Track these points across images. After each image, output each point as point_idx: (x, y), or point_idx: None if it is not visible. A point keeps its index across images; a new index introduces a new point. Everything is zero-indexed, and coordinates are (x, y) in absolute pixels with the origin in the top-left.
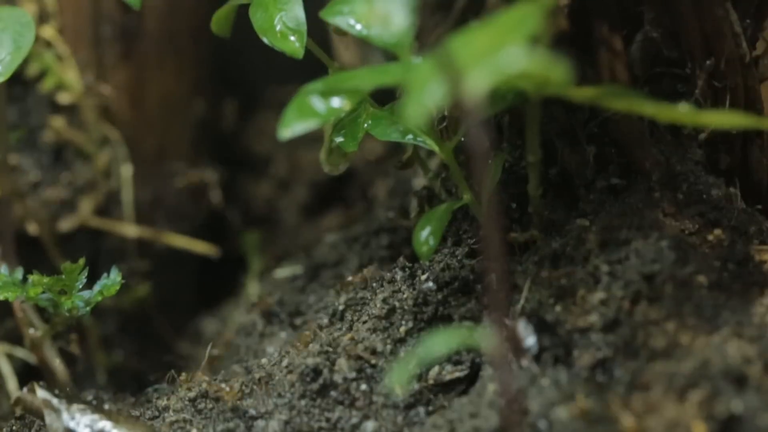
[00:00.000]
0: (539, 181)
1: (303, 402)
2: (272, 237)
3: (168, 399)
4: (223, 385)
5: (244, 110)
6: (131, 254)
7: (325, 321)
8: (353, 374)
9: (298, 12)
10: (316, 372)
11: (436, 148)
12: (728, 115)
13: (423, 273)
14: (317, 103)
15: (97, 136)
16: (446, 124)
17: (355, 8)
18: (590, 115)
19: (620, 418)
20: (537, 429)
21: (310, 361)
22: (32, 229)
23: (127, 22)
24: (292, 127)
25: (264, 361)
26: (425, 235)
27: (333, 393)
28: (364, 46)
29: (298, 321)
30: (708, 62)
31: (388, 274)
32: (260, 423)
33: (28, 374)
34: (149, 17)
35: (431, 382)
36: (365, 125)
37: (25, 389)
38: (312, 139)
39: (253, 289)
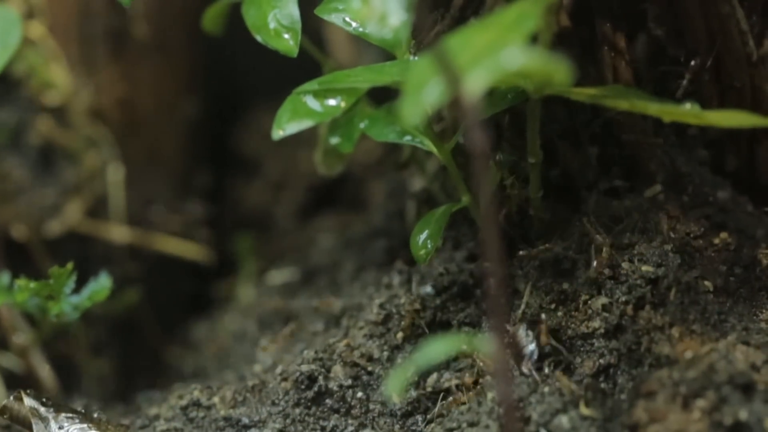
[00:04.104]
0: (540, 182)
1: (297, 410)
2: (266, 240)
3: (159, 407)
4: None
5: (237, 110)
6: (121, 258)
7: (321, 327)
8: (349, 381)
9: (293, 9)
10: (311, 379)
11: (434, 149)
12: (734, 114)
13: (421, 277)
14: (312, 102)
15: (85, 137)
16: (444, 124)
17: (350, 5)
18: (593, 115)
19: None
20: None
21: (305, 368)
22: (19, 232)
23: (116, 21)
24: (285, 127)
25: (257, 367)
26: (423, 239)
27: (328, 401)
28: (359, 44)
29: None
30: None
31: (385, 278)
32: None
33: (14, 382)
34: (139, 15)
35: (429, 389)
36: (361, 126)
37: (11, 397)
38: (307, 139)
39: (245, 293)
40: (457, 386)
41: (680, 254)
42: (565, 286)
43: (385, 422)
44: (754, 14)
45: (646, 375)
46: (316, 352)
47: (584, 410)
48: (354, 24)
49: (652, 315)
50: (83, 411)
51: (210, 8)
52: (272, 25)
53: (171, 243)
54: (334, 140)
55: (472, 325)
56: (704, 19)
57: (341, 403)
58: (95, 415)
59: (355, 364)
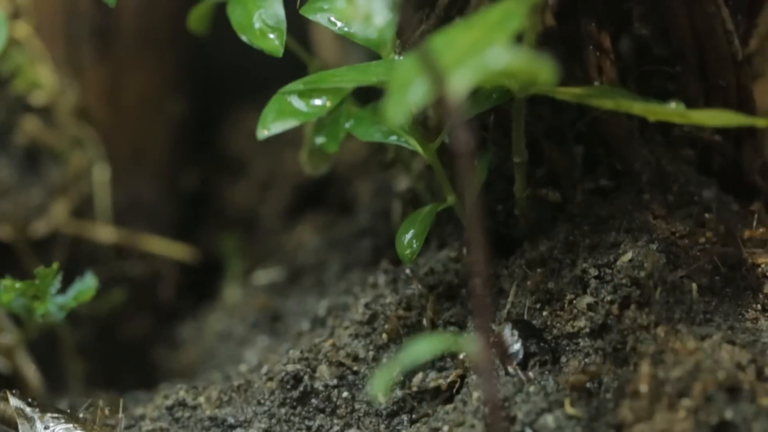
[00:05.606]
0: (526, 182)
1: (283, 410)
2: (252, 240)
3: (144, 407)
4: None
5: (223, 110)
6: (107, 258)
7: (306, 326)
8: (334, 381)
9: (278, 9)
10: (297, 379)
11: (419, 149)
12: (720, 113)
13: (406, 277)
14: (297, 102)
15: (71, 137)
16: (430, 124)
17: (335, 5)
18: (578, 114)
19: None
20: None
21: (290, 367)
22: (5, 233)
23: (103, 21)
24: (270, 126)
25: (243, 367)
26: (408, 238)
27: (314, 400)
28: (345, 43)
29: (278, 326)
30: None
31: (371, 278)
32: None
33: (0, 382)
34: (126, 15)
35: (415, 389)
36: (347, 125)
37: None
38: (293, 139)
39: (231, 293)
40: (442, 386)
41: (665, 253)
42: (551, 285)
43: (370, 422)
44: (739, 13)
45: (632, 374)
46: (301, 352)
47: (569, 409)
48: (339, 23)
49: (638, 314)
50: (69, 411)
51: (195, 8)
52: (257, 24)
53: (157, 242)
54: (320, 140)
55: (458, 324)
56: (689, 18)
57: (327, 402)
58: (81, 415)
59: (341, 364)
